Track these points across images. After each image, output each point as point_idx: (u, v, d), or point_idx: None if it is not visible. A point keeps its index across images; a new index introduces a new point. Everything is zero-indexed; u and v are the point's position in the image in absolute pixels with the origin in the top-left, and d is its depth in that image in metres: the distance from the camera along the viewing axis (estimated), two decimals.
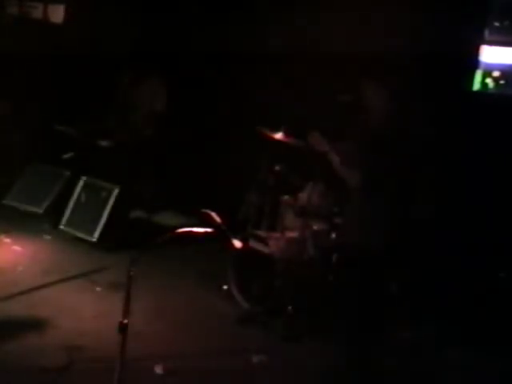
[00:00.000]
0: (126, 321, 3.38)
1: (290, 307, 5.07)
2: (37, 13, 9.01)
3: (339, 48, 6.28)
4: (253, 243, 5.42)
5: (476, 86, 6.60)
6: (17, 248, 6.20)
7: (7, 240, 6.32)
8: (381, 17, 6.26)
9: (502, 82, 7.03)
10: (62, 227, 6.60)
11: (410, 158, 4.28)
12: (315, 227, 5.43)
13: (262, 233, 5.57)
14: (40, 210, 6.75)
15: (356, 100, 4.58)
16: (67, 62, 7.91)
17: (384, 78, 4.52)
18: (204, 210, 3.81)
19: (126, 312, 3.38)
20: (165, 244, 3.39)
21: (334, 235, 5.23)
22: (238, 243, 3.99)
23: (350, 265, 4.27)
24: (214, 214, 3.75)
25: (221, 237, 3.76)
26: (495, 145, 5.99)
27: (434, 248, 5.64)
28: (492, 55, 6.61)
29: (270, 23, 6.93)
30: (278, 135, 5.52)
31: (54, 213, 6.70)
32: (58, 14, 8.92)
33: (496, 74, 6.84)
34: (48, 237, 6.57)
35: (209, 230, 3.48)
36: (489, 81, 6.88)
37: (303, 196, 5.47)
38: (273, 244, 5.34)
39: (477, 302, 5.46)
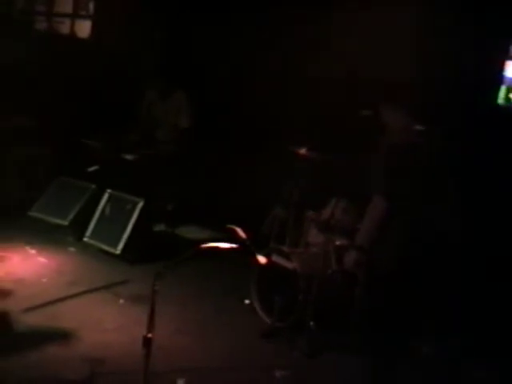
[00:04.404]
0: (150, 335, 3.39)
1: (312, 322, 5.06)
2: (64, 28, 9.15)
3: (367, 71, 6.28)
4: (276, 258, 5.42)
5: (500, 100, 6.61)
6: (42, 259, 6.25)
7: (32, 251, 6.38)
8: (405, 32, 6.26)
9: None
10: (86, 239, 6.64)
11: (430, 171, 4.28)
12: (338, 242, 5.42)
13: (285, 248, 5.57)
14: (65, 222, 6.79)
15: (376, 115, 4.63)
16: (93, 76, 8.00)
17: (404, 97, 4.55)
18: (229, 226, 3.82)
19: (151, 326, 3.39)
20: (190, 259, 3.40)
21: (354, 253, 5.22)
22: (262, 259, 3.99)
23: (378, 281, 4.26)
24: (239, 230, 3.76)
25: (246, 252, 3.76)
26: None
27: (460, 260, 5.58)
28: None
29: (294, 42, 6.96)
30: (302, 150, 5.53)
31: (79, 225, 6.73)
32: (84, 29, 9.05)
33: None
34: (72, 249, 6.62)
35: (234, 245, 3.49)
36: None
37: (326, 211, 5.47)
38: (296, 259, 5.33)
39: (503, 316, 5.38)
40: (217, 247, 3.44)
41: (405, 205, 4.24)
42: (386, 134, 4.43)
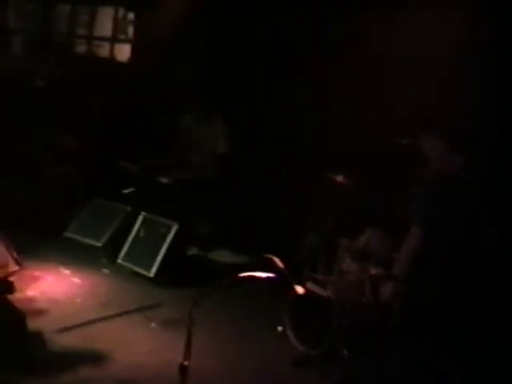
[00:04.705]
0: (186, 363, 3.37)
1: (345, 351, 5.00)
2: (103, 51, 9.28)
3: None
4: (310, 286, 5.38)
5: None
6: (76, 280, 6.29)
7: (66, 272, 6.43)
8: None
9: None
10: (120, 261, 6.68)
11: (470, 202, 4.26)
12: (373, 272, 5.37)
13: (319, 276, 5.53)
14: (99, 244, 6.84)
15: (414, 144, 4.62)
16: (133, 100, 8.10)
17: (443, 127, 4.53)
18: (267, 255, 3.81)
19: (188, 354, 3.38)
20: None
21: (391, 284, 5.16)
22: (300, 289, 3.97)
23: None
24: (276, 259, 3.75)
25: (283, 282, 3.74)
26: None
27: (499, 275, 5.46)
28: None
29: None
30: (339, 178, 5.52)
31: (113, 247, 6.77)
32: (123, 53, 9.17)
33: None
34: (106, 270, 6.66)
35: (271, 275, 3.47)
36: None
37: (362, 240, 5.44)
38: (330, 287, 5.29)
39: None
40: (254, 276, 3.43)
41: (447, 234, 4.20)
42: (427, 164, 4.41)
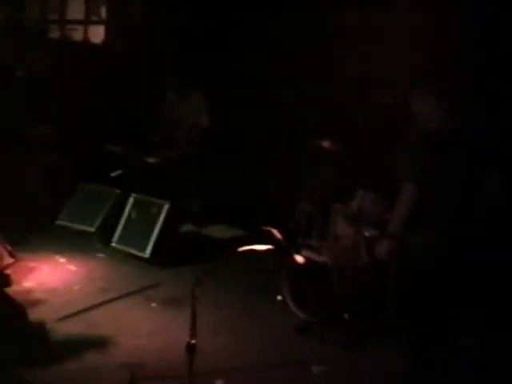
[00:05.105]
0: (193, 341, 3.38)
1: (346, 315, 5.04)
2: (77, 35, 9.17)
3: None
4: (306, 253, 5.39)
5: None
6: (71, 267, 6.29)
7: (62, 260, 6.42)
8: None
9: None
10: (114, 245, 6.67)
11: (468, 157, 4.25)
12: (368, 233, 5.38)
13: (314, 242, 5.55)
14: (92, 229, 6.82)
15: (399, 102, 4.60)
16: (110, 81, 8.02)
17: (433, 84, 4.49)
18: (265, 227, 3.82)
19: (194, 332, 3.39)
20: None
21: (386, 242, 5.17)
22: (300, 259, 3.99)
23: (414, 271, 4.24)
24: (275, 231, 3.76)
25: (282, 253, 3.75)
26: None
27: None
28: None
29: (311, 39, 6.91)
30: (326, 143, 5.51)
31: (106, 231, 6.76)
32: (98, 35, 9.06)
33: None
34: (101, 255, 6.65)
35: (270, 246, 3.48)
36: None
37: (354, 203, 5.44)
38: (326, 252, 5.31)
39: None
40: (254, 249, 3.43)
41: (444, 192, 4.20)
42: (416, 122, 4.38)
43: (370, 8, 6.41)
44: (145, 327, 5.12)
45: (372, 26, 6.39)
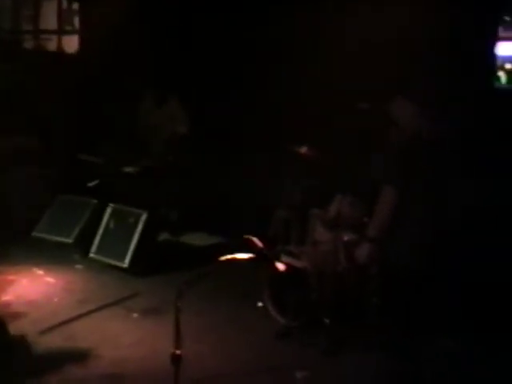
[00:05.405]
0: (178, 352, 3.38)
1: (327, 320, 5.06)
2: (51, 45, 9.13)
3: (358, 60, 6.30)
4: (285, 259, 5.41)
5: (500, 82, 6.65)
6: (50, 280, 6.24)
7: (40, 272, 6.37)
8: (396, 20, 6.26)
9: None
10: (92, 255, 6.64)
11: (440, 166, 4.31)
12: (346, 238, 5.42)
13: (293, 248, 5.57)
14: (70, 240, 6.79)
15: (373, 108, 4.66)
16: (87, 91, 7.99)
17: (409, 90, 4.57)
18: (246, 236, 3.84)
19: (178, 342, 3.39)
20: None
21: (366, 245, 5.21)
22: (281, 265, 4.01)
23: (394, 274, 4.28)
24: (255, 239, 3.78)
25: (264, 261, 3.77)
26: None
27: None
28: (504, 49, 6.65)
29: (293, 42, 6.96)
30: (303, 149, 5.55)
31: (84, 242, 6.72)
32: (72, 44, 9.03)
33: (508, 66, 6.89)
34: (80, 266, 6.61)
35: (252, 255, 3.50)
36: (501, 74, 6.91)
37: (333, 208, 5.47)
38: (305, 258, 5.33)
39: None
40: (236, 258, 3.44)
41: (423, 196, 4.27)
42: (397, 127, 4.45)
43: (348, 12, 6.47)
44: (126, 338, 5.09)
45: (350, 31, 6.45)
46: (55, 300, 5.77)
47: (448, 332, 4.97)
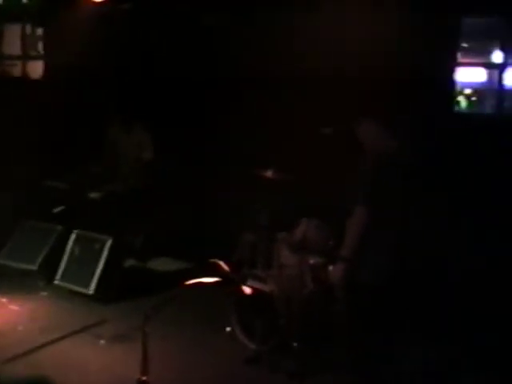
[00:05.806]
0: (144, 378, 3.37)
1: (295, 344, 5.08)
2: (16, 70, 9.08)
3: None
4: (252, 283, 5.42)
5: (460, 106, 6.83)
6: (14, 307, 6.15)
7: (4, 300, 6.28)
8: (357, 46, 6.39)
9: (473, 98, 7.28)
10: (57, 282, 6.56)
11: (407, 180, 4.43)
12: (312, 261, 5.46)
13: (259, 272, 5.58)
14: (34, 267, 6.71)
15: (337, 132, 4.75)
16: (52, 117, 7.95)
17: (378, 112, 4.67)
18: (211, 260, 3.85)
19: (145, 368, 3.38)
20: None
21: (331, 268, 5.25)
22: (247, 289, 4.03)
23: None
24: (221, 263, 3.80)
25: (230, 284, 3.78)
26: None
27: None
28: (463, 75, 6.83)
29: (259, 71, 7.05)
30: (268, 173, 5.59)
31: (49, 268, 6.65)
32: (37, 70, 8.99)
33: (468, 91, 7.08)
34: (44, 293, 6.53)
35: (217, 279, 3.52)
36: (461, 98, 7.09)
37: (298, 231, 5.51)
38: (272, 282, 5.35)
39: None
40: (202, 282, 3.46)
41: (392, 217, 4.35)
42: (366, 148, 4.56)
43: (308, 36, 6.59)
44: (93, 365, 5.04)
45: (311, 55, 6.57)
46: (20, 328, 5.68)
47: (414, 350, 5.05)
